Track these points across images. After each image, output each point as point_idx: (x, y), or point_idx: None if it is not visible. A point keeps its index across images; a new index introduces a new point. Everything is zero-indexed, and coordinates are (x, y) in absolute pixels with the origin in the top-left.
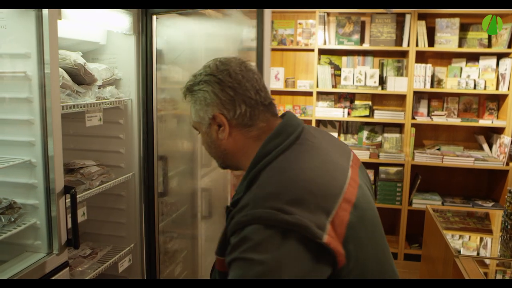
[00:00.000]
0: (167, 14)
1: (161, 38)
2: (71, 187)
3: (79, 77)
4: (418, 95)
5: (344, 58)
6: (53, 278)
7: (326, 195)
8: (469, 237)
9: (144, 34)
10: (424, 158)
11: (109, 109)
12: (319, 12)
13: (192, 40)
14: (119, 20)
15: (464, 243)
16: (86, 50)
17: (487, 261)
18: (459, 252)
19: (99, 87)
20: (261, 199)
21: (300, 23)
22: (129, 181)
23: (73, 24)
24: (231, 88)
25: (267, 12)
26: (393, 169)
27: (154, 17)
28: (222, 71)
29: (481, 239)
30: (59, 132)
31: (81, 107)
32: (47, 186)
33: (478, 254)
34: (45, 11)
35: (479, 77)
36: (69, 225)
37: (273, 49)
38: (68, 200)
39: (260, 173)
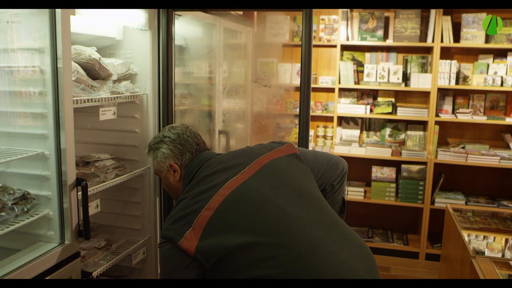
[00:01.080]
0: (188, 11)
1: (179, 34)
2: (82, 180)
3: (94, 72)
4: (443, 92)
5: (367, 54)
6: (65, 267)
7: (197, 206)
8: (489, 237)
9: (164, 29)
10: (448, 156)
11: (124, 104)
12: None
13: (211, 35)
14: (135, 16)
15: (483, 244)
16: (103, 45)
17: (507, 262)
18: (477, 252)
19: (115, 81)
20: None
21: (322, 19)
22: (144, 174)
23: (89, 20)
24: (180, 144)
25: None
26: (415, 167)
27: (173, 13)
28: (173, 134)
29: (502, 240)
30: (71, 126)
31: (95, 101)
32: (60, 178)
33: (500, 255)
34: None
35: (506, 73)
36: (81, 217)
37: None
38: (80, 192)
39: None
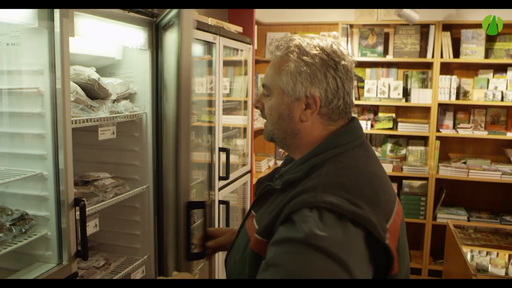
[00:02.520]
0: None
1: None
2: (80, 200)
3: (94, 92)
4: (444, 107)
5: (368, 70)
6: None
7: (387, 202)
8: (491, 254)
9: (158, 48)
10: (449, 171)
11: (124, 123)
12: (341, 24)
13: (210, 53)
14: (134, 36)
15: (486, 260)
16: (102, 65)
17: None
18: (478, 270)
19: (114, 101)
20: (332, 186)
21: (323, 35)
22: (144, 193)
23: (89, 40)
24: (341, 79)
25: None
26: (417, 183)
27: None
28: (340, 59)
29: (505, 257)
30: (70, 146)
31: (94, 121)
32: (58, 198)
33: (503, 272)
34: (57, 29)
35: (507, 88)
36: (80, 237)
37: None
38: (78, 212)
39: (326, 162)
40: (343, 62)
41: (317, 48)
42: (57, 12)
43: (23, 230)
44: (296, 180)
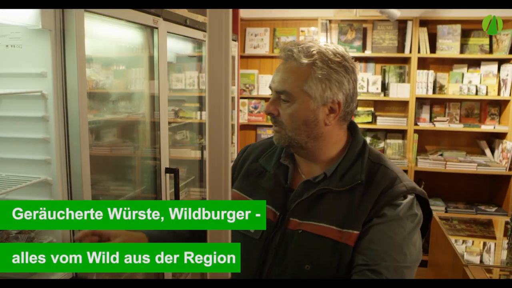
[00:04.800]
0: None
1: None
2: None
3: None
4: (420, 101)
5: None
6: None
7: None
8: (476, 243)
9: (157, 47)
10: (428, 164)
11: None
12: (321, 19)
13: (200, 50)
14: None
15: (472, 251)
16: None
17: (496, 269)
18: (468, 260)
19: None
20: (403, 176)
21: (302, 31)
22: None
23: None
24: (355, 82)
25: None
26: None
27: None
28: (353, 64)
29: (489, 247)
30: (87, 149)
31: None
32: None
33: (482, 261)
34: (72, 30)
35: (480, 82)
36: None
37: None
38: None
39: (379, 157)
40: (354, 66)
41: (338, 55)
42: (72, 12)
43: (30, 238)
44: (362, 180)
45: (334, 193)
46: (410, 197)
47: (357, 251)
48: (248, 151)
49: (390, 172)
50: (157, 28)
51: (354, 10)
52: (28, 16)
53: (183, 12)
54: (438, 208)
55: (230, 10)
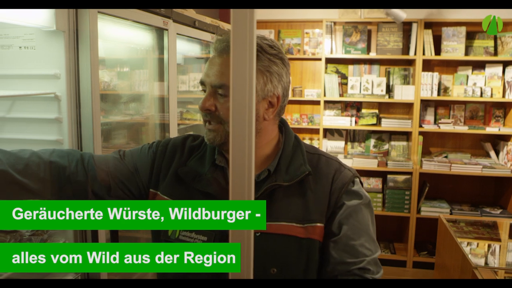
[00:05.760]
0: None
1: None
2: None
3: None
4: (425, 103)
5: (351, 67)
6: None
7: None
8: (481, 245)
9: (167, 50)
10: (432, 166)
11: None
12: (326, 21)
13: (207, 52)
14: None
15: (480, 253)
16: None
17: (501, 271)
18: (477, 262)
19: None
20: (342, 162)
21: (307, 33)
22: None
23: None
24: (288, 76)
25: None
26: (401, 177)
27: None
28: (286, 56)
29: (497, 249)
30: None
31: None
32: None
33: (487, 263)
34: (85, 32)
35: (485, 84)
36: None
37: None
38: None
39: (314, 150)
40: (287, 59)
41: (276, 48)
42: (86, 13)
43: (43, 240)
44: (309, 170)
45: (284, 188)
46: (356, 180)
47: (339, 248)
48: (170, 149)
49: (331, 161)
50: (167, 29)
51: (359, 12)
52: (42, 18)
53: (192, 13)
54: (443, 210)
55: (255, 10)
